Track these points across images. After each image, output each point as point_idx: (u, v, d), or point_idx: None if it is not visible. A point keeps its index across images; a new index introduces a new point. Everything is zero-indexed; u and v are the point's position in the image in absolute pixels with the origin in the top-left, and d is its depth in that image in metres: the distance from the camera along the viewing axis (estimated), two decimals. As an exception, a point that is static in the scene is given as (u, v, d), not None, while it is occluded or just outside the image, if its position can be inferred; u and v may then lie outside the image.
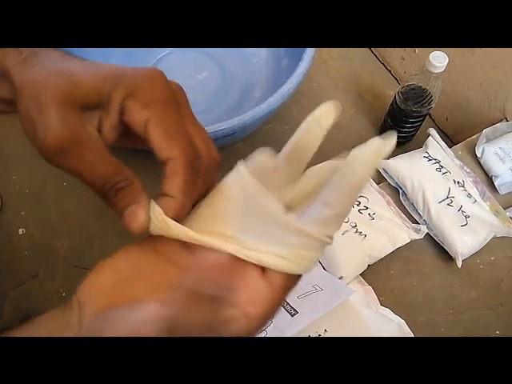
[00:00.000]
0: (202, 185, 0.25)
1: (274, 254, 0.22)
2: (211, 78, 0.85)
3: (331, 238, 0.22)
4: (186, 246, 0.23)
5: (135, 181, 0.24)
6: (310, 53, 0.68)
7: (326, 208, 0.21)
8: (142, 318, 0.20)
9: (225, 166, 0.29)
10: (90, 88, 0.22)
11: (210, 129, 0.59)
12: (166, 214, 0.23)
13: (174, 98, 0.24)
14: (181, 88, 0.26)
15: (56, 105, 0.22)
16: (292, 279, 0.23)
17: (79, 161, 0.22)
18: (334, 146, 0.85)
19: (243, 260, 0.23)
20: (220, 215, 0.23)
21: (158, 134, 0.23)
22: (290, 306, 0.48)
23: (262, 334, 0.46)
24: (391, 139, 0.22)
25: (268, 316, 0.23)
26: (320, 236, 0.21)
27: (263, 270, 0.23)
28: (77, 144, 0.22)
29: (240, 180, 0.23)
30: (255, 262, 0.22)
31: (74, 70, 0.23)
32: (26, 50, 0.24)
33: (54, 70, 0.23)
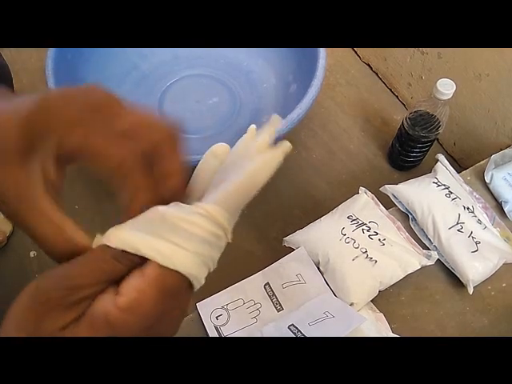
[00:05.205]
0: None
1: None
2: (221, 103, 0.86)
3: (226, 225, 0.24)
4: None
5: None
6: (318, 79, 0.70)
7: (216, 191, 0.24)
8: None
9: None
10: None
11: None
12: None
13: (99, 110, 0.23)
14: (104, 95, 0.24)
15: None
16: (169, 275, 0.22)
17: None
18: (343, 169, 0.86)
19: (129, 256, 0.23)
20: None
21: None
22: (301, 332, 0.48)
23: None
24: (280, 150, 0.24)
25: (141, 309, 0.22)
26: (213, 212, 0.23)
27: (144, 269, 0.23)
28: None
29: None
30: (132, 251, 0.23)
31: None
32: None
33: None
